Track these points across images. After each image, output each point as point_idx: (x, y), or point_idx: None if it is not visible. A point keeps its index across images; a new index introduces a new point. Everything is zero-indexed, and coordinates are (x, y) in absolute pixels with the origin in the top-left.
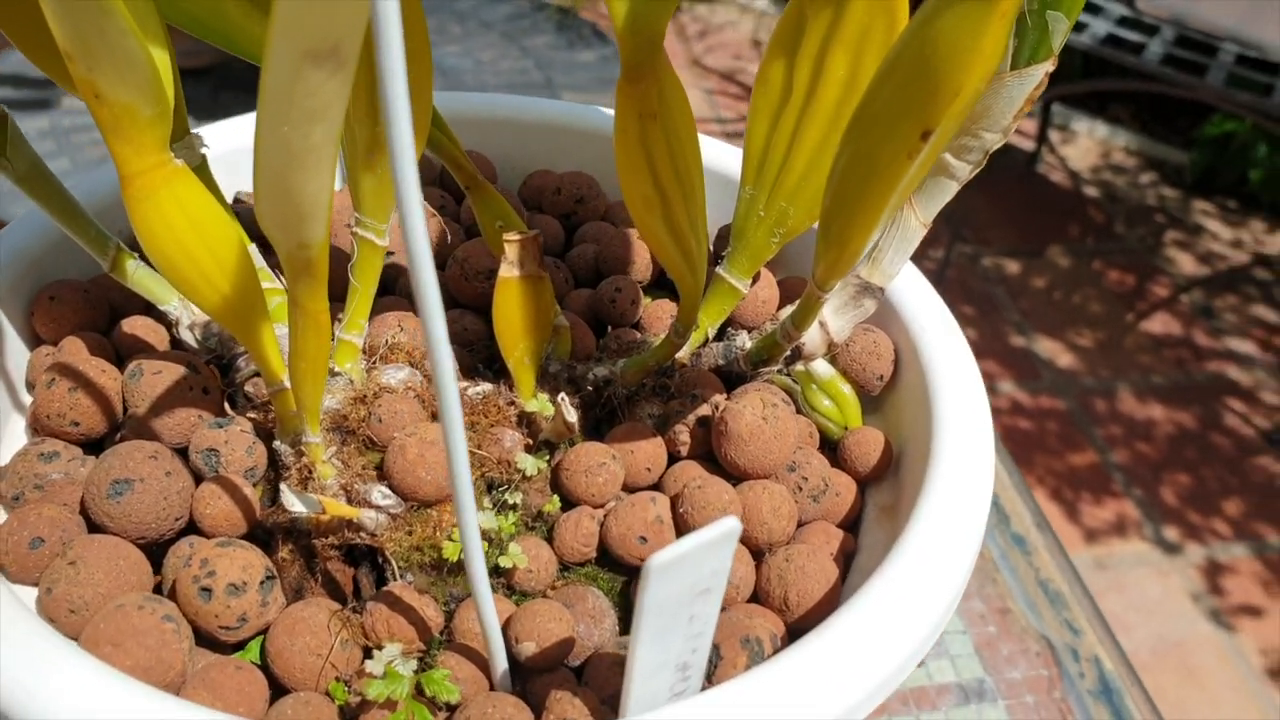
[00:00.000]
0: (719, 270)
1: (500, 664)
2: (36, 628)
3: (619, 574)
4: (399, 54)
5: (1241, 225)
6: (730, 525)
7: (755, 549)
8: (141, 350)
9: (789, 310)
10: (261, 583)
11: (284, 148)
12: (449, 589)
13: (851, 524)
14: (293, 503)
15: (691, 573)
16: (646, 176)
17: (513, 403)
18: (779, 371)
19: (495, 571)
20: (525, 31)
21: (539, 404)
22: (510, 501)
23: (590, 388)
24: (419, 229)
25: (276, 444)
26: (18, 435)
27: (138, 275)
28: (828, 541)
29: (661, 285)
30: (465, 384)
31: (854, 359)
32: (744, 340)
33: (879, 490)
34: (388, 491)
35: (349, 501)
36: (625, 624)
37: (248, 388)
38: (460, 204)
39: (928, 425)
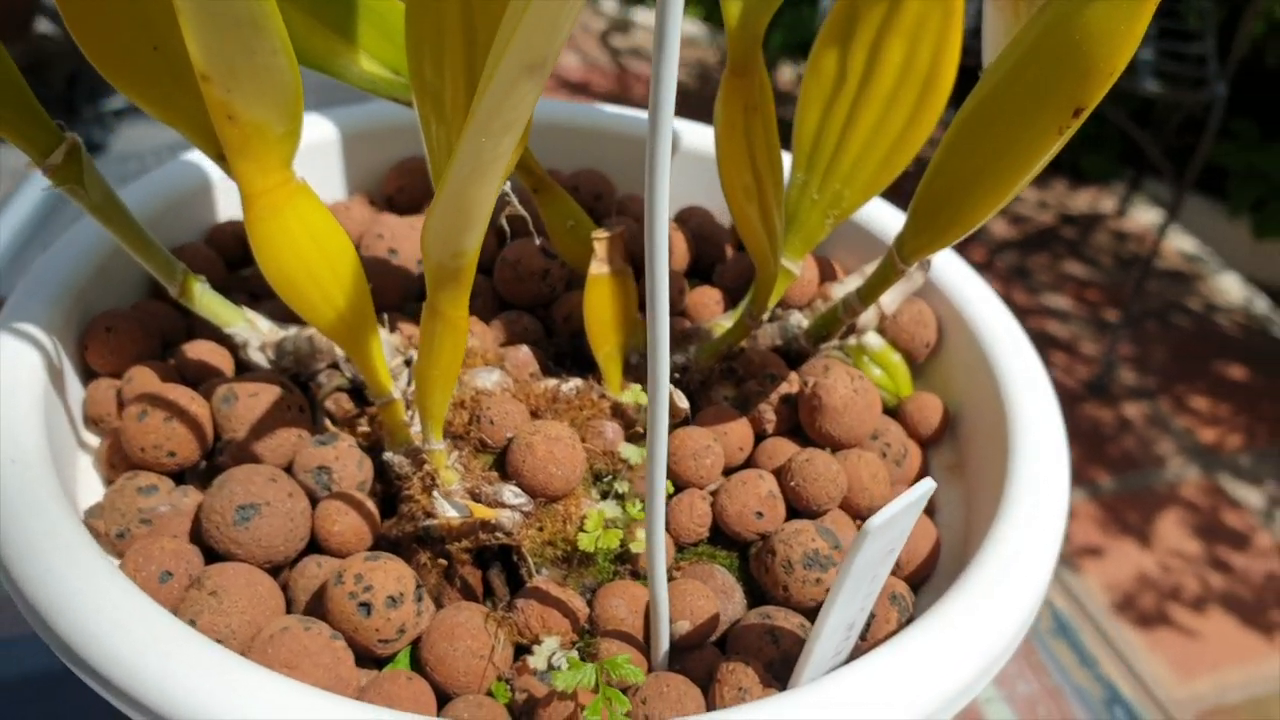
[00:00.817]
0: None
1: (664, 644)
2: (225, 654)
3: (730, 550)
4: (674, 59)
5: (1046, 188)
6: (927, 486)
7: (856, 514)
8: (210, 375)
9: (839, 287)
10: (415, 593)
11: (476, 157)
12: (581, 580)
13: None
14: (445, 509)
15: (891, 533)
16: (747, 166)
17: (603, 395)
18: (834, 347)
19: (621, 558)
20: None
21: (633, 395)
22: (619, 490)
23: (671, 376)
24: (661, 253)
25: (387, 455)
26: (86, 474)
27: (205, 299)
28: (885, 496)
29: (693, 273)
30: (555, 380)
31: (903, 329)
32: (798, 319)
33: (939, 451)
34: (518, 490)
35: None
36: (750, 597)
37: (328, 404)
38: None
39: (991, 387)
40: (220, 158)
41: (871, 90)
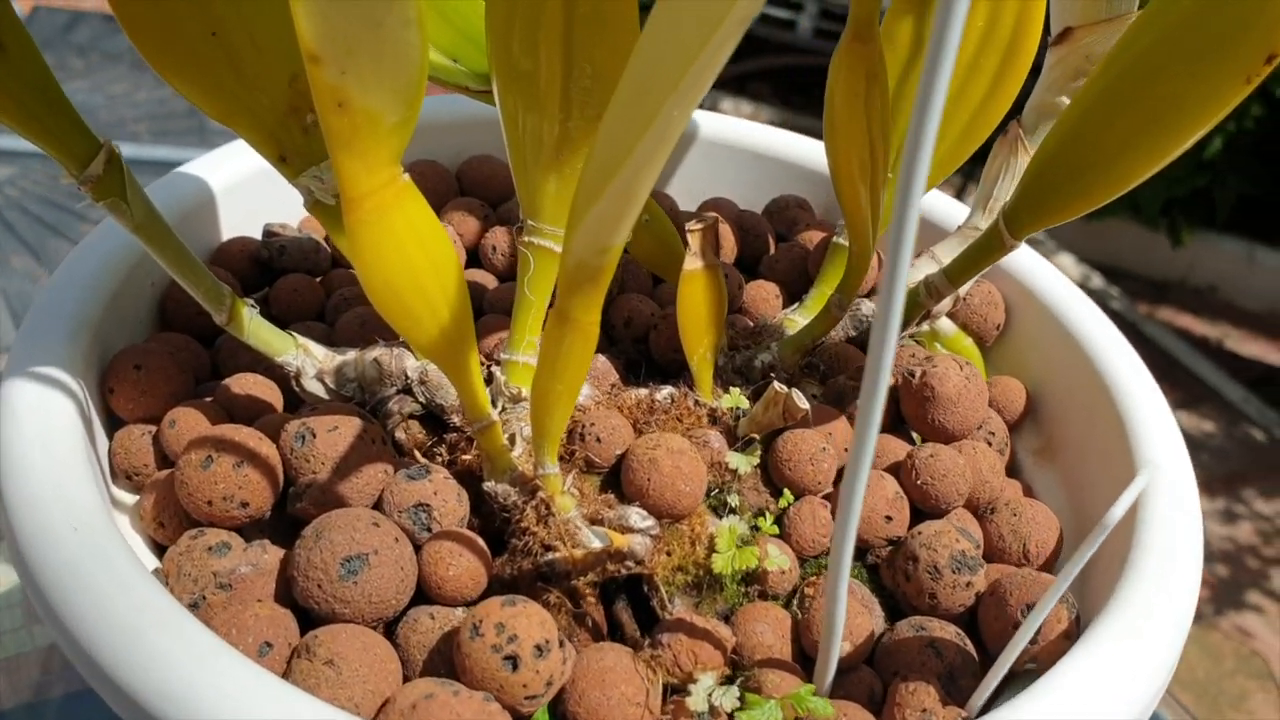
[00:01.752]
0: (837, 239)
1: (832, 670)
2: None
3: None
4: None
5: None
6: (1147, 476)
7: (976, 509)
8: (261, 411)
9: (910, 270)
10: (559, 639)
11: (660, 138)
12: (713, 606)
13: (1010, 471)
14: (590, 540)
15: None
16: (865, 142)
17: (698, 402)
18: (909, 335)
19: (746, 579)
20: None
21: (733, 399)
22: (731, 504)
23: (760, 376)
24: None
25: (487, 485)
26: (126, 536)
27: (254, 326)
28: (1016, 490)
29: (738, 267)
30: (644, 390)
31: (974, 311)
32: (869, 307)
33: (1022, 436)
34: (644, 513)
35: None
36: (886, 609)
37: (398, 434)
38: (496, 209)
39: (1078, 363)
40: (281, 160)
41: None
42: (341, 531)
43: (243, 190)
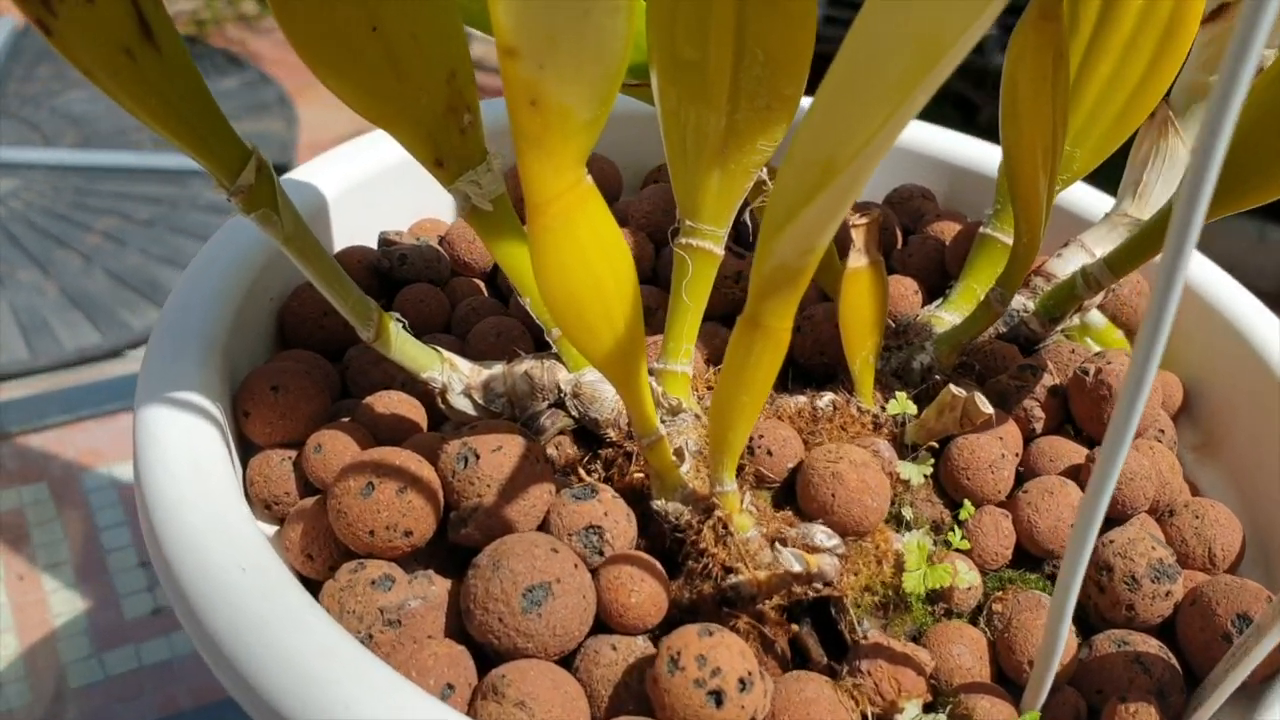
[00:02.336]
0: (985, 230)
1: (1045, 692)
2: None
3: (1027, 571)
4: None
5: None
6: None
7: (1155, 511)
8: (407, 432)
9: (1060, 262)
10: (760, 671)
11: (900, 122)
12: (901, 628)
13: None
14: (791, 563)
15: None
16: (1049, 127)
17: (862, 410)
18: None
19: (931, 597)
20: None
21: (900, 404)
22: (905, 517)
23: (919, 379)
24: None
25: (656, 504)
26: None
27: (401, 341)
28: (1183, 489)
29: None
30: (802, 397)
31: (1124, 303)
32: (1021, 300)
33: (1180, 431)
34: (829, 530)
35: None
36: (1075, 623)
37: (549, 450)
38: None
39: (1244, 355)
40: (437, 164)
41: (1107, 38)
42: (521, 559)
43: (353, 197)
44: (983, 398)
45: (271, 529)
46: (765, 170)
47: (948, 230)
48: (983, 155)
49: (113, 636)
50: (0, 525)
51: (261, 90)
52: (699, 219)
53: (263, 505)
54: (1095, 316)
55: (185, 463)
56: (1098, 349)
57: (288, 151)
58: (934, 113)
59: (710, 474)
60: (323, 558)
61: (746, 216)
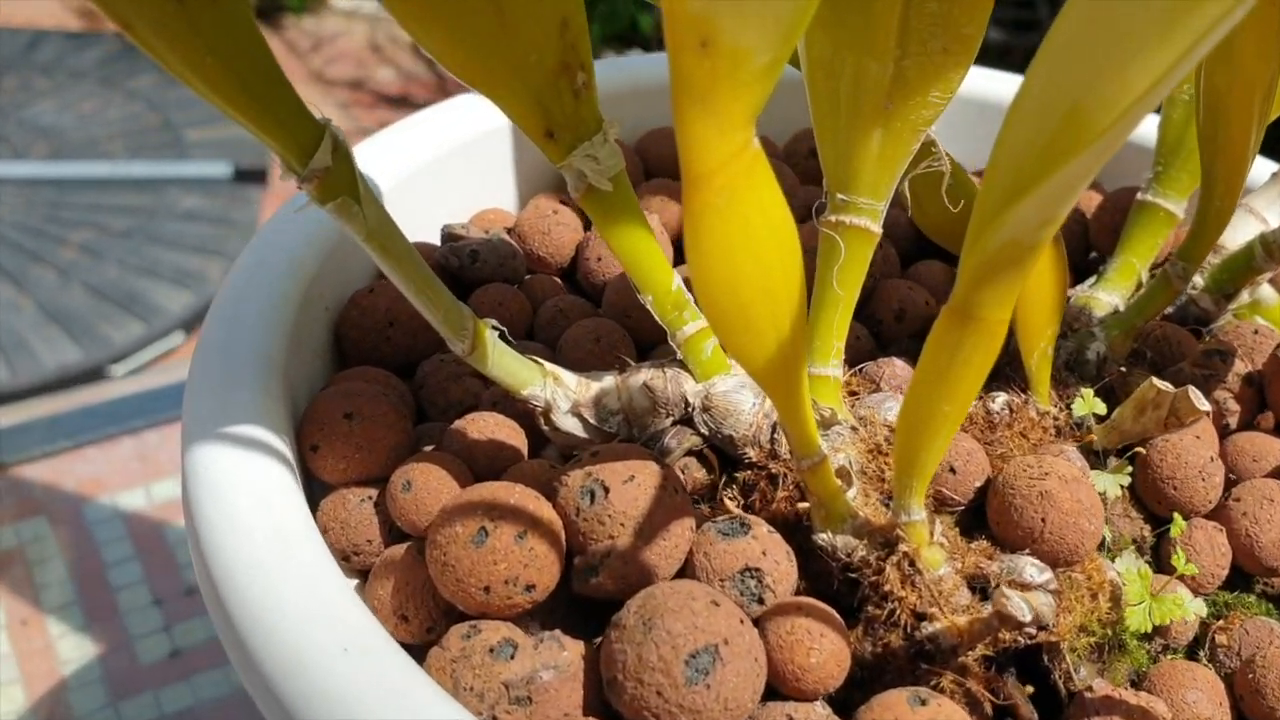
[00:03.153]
0: (1145, 197)
1: None
2: None
3: (1239, 592)
4: None
5: None
6: None
7: None
8: (507, 461)
9: (1231, 231)
10: None
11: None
12: (1118, 671)
13: None
14: (1021, 609)
15: None
16: (1270, 68)
17: (1042, 412)
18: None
19: (1146, 635)
20: (125, 73)
21: (1087, 404)
22: (1105, 537)
23: (1095, 371)
24: None
25: (821, 538)
26: None
27: (499, 354)
28: None
29: None
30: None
31: None
32: (1176, 264)
33: None
34: (1039, 563)
35: (973, 590)
36: None
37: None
38: None
39: None
40: (547, 135)
41: None
42: (679, 617)
43: (406, 188)
44: (1197, 392)
45: (352, 582)
46: (932, 131)
47: (1086, 200)
48: None
49: (129, 684)
50: None
51: None
52: (854, 190)
53: (340, 556)
54: (1267, 292)
55: (258, 518)
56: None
57: (262, 156)
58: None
59: (894, 501)
60: (420, 618)
61: (905, 187)
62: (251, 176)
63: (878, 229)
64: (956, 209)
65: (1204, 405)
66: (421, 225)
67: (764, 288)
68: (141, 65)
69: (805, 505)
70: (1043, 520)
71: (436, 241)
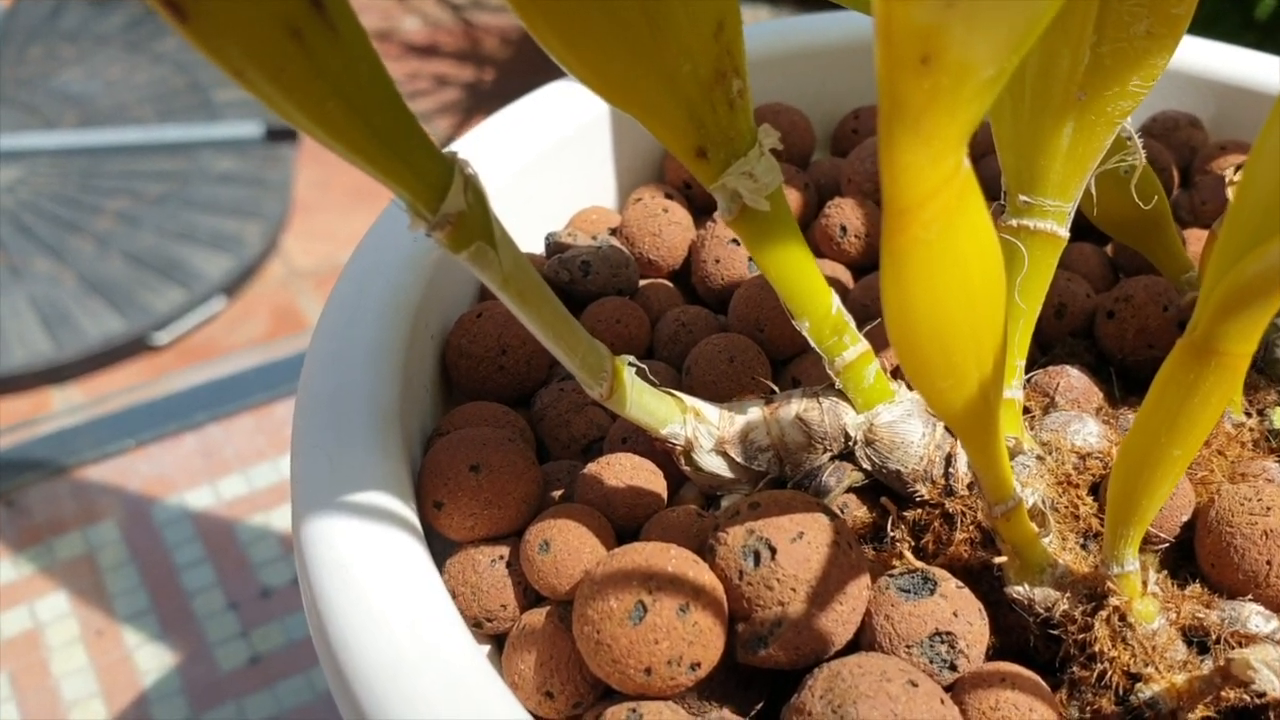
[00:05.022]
0: None
1: None
2: None
3: None
4: None
5: None
6: None
7: None
8: (647, 508)
9: None
10: None
11: None
12: None
13: None
14: (1272, 683)
15: None
16: None
17: (1236, 423)
18: None
19: None
20: (150, 36)
21: None
22: None
23: None
24: None
25: (1016, 591)
26: None
27: (638, 394)
28: None
29: None
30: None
31: None
32: None
33: None
34: (1266, 611)
35: (1189, 644)
36: None
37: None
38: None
39: None
40: (699, 154)
41: None
42: (876, 705)
43: (502, 195)
44: None
45: (484, 648)
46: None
47: (1237, 165)
48: (1260, 70)
49: (211, 693)
50: (69, 574)
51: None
52: (1039, 191)
53: (471, 623)
54: None
55: (395, 610)
56: None
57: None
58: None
59: (1105, 549)
60: (567, 694)
61: (1092, 185)
62: (283, 135)
63: (1065, 233)
64: (1149, 205)
65: None
66: (521, 231)
67: (971, 327)
68: (165, 27)
69: (988, 556)
70: (1268, 563)
71: (539, 250)
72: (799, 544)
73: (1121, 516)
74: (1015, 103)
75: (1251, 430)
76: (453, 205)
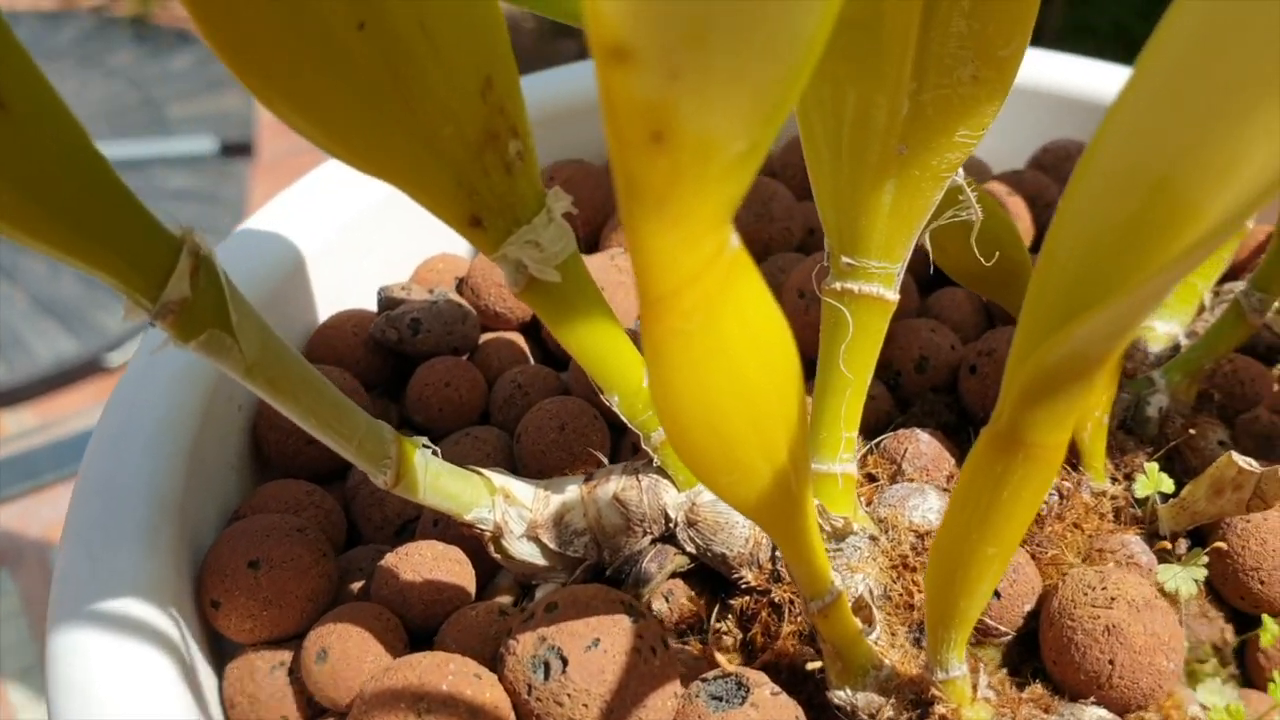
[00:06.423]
0: None
1: None
2: None
3: None
4: None
5: None
6: None
7: None
8: (449, 604)
9: None
10: None
11: None
12: None
13: None
14: None
15: None
16: None
17: (1098, 493)
18: None
19: None
20: (102, 50)
21: (1151, 482)
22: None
23: (1157, 429)
24: None
25: (839, 695)
26: None
27: (432, 478)
28: None
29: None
30: None
31: None
32: (1251, 294)
33: None
34: (1106, 714)
35: None
36: None
37: (654, 603)
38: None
39: None
40: (474, 223)
41: None
42: None
43: (338, 243)
44: None
45: None
46: (960, 173)
47: None
48: None
49: None
50: None
51: (215, 65)
52: (863, 252)
53: None
54: None
55: None
56: None
57: (248, 128)
58: (1088, 44)
59: (928, 654)
60: None
61: (926, 240)
62: (237, 150)
63: (893, 296)
64: (990, 261)
65: None
66: (361, 282)
67: (751, 418)
68: (118, 41)
69: (813, 652)
70: (1110, 662)
71: (372, 305)
72: (593, 653)
73: (941, 619)
74: (833, 158)
75: (1114, 499)
76: (175, 292)
